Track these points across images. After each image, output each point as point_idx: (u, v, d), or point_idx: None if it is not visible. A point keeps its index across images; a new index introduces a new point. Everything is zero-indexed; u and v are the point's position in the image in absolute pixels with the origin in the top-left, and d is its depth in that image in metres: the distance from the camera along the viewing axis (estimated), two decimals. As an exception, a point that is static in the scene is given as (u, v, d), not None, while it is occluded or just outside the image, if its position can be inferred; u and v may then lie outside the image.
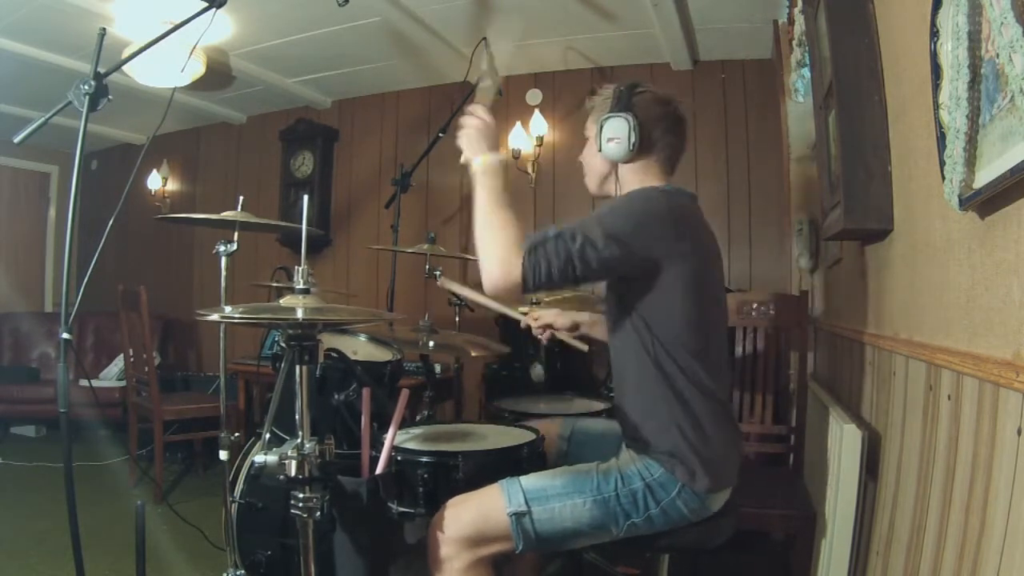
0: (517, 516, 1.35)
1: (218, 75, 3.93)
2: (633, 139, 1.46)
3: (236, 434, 2.14)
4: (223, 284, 1.95)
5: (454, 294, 1.94)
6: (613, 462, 1.45)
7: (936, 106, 1.17)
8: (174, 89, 2.10)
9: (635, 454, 1.44)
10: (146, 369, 3.41)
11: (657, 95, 1.51)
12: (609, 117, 1.49)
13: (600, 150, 1.50)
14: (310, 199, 1.42)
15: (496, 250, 1.29)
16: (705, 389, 1.39)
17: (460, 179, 4.28)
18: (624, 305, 1.43)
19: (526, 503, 1.35)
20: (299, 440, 1.22)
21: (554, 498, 1.37)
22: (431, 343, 2.17)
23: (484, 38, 3.03)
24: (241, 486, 1.81)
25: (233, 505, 1.78)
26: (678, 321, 1.38)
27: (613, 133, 1.48)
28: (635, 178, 1.52)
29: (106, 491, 3.41)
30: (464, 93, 3.18)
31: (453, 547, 1.35)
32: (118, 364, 4.50)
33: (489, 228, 1.32)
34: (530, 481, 1.40)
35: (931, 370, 1.30)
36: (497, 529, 1.35)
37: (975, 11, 0.95)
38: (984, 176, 0.99)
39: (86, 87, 1.43)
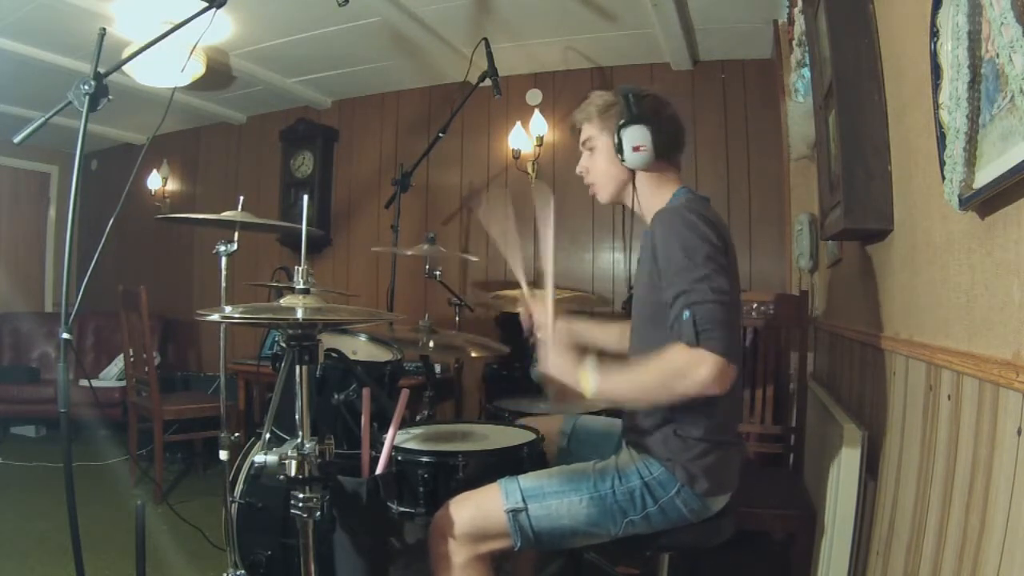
0: (514, 513, 1.36)
1: (218, 75, 3.93)
2: (658, 146, 1.44)
3: (236, 434, 2.14)
4: (223, 284, 1.95)
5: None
6: (611, 460, 1.45)
7: (936, 106, 1.17)
8: (174, 89, 2.10)
9: (635, 453, 1.44)
10: (146, 369, 3.41)
11: (659, 98, 1.49)
12: (629, 125, 1.43)
13: (623, 160, 1.45)
14: (310, 199, 1.41)
15: (685, 380, 1.23)
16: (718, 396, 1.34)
17: (460, 179, 4.29)
18: (662, 308, 1.36)
19: (523, 500, 1.37)
20: (299, 440, 1.22)
21: (551, 496, 1.38)
22: (431, 343, 2.18)
23: (484, 38, 3.03)
24: (241, 486, 1.81)
25: (233, 505, 1.78)
26: None
27: (638, 141, 1.43)
28: (652, 183, 1.50)
29: (106, 491, 3.40)
30: (464, 93, 3.18)
31: (453, 543, 1.37)
32: (118, 364, 4.50)
33: (660, 387, 1.28)
34: (528, 479, 1.41)
35: (931, 370, 1.30)
36: (495, 526, 1.37)
37: (975, 11, 0.95)
38: (984, 176, 0.99)
39: (86, 87, 1.43)
